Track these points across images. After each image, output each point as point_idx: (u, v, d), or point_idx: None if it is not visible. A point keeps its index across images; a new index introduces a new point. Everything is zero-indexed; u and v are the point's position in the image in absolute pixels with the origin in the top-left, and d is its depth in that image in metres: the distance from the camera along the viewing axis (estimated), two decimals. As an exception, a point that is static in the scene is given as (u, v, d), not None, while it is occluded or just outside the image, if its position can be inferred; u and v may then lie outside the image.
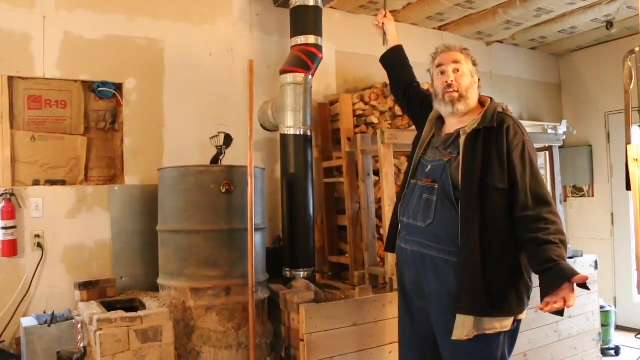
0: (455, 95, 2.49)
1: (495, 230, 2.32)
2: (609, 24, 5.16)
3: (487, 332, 2.32)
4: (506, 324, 2.36)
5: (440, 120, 2.66)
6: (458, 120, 2.54)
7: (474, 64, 2.58)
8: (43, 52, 3.58)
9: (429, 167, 2.55)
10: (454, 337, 2.32)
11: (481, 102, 2.57)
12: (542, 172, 5.85)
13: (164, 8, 3.99)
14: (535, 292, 2.37)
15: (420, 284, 2.53)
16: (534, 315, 4.06)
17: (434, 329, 2.53)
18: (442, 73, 2.54)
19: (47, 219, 3.54)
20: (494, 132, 2.40)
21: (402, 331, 2.73)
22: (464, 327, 2.31)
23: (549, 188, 5.00)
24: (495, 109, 2.49)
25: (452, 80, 2.50)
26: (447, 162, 2.47)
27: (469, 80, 2.52)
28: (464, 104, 2.50)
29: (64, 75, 3.65)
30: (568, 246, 4.38)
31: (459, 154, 2.42)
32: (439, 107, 2.59)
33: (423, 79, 2.95)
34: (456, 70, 2.52)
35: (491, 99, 2.59)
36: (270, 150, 4.37)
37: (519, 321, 2.48)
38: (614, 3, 4.67)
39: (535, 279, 2.39)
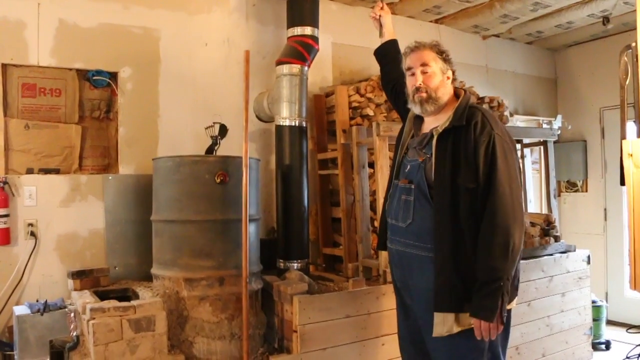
0: (424, 96, 2.51)
1: (469, 228, 2.35)
2: (606, 20, 5.16)
3: (473, 326, 2.35)
4: None
5: (419, 119, 2.69)
6: (434, 118, 2.56)
7: (445, 60, 2.56)
8: (37, 40, 3.55)
9: (408, 167, 2.60)
10: (434, 335, 2.38)
11: (458, 95, 2.58)
12: (535, 166, 5.90)
13: (159, -3, 3.97)
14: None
15: (407, 281, 2.62)
16: (526, 309, 4.09)
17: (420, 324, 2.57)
18: (412, 75, 2.57)
19: (41, 208, 3.53)
20: (463, 130, 2.41)
21: (399, 325, 2.80)
22: (444, 324, 2.36)
23: (543, 183, 5.03)
24: (467, 104, 2.49)
25: (420, 83, 2.52)
26: (421, 162, 2.51)
27: (438, 80, 2.52)
28: (433, 105, 2.52)
29: (58, 63, 3.63)
30: (561, 241, 4.45)
31: (432, 154, 2.45)
32: (412, 107, 2.63)
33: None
34: (424, 72, 2.52)
35: (465, 91, 2.59)
36: (265, 141, 4.36)
37: (508, 311, 2.51)
38: (610, -2, 4.67)
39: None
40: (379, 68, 3.21)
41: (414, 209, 2.50)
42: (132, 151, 3.83)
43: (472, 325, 2.34)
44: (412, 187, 2.52)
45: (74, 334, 3.05)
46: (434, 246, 2.40)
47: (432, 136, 2.49)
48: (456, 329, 2.35)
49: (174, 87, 4.00)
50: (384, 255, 3.45)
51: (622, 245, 5.97)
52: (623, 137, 3.30)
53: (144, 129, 3.88)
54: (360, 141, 3.90)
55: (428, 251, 2.45)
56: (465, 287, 2.33)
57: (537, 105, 6.46)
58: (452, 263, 2.34)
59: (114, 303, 2.89)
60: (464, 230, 2.34)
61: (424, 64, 2.52)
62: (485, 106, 4.62)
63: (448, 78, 2.56)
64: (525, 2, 4.71)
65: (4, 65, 3.49)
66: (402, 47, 3.07)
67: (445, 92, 2.54)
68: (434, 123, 2.54)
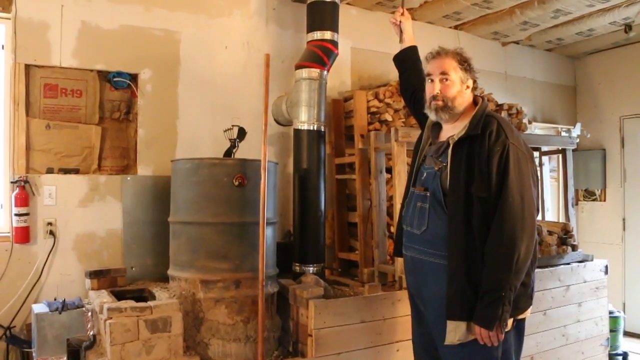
0: (440, 104, 2.52)
1: (481, 237, 2.34)
2: (628, 27, 5.12)
3: None
4: None
5: (437, 126, 2.69)
6: (451, 126, 2.57)
7: (466, 70, 2.54)
8: (60, 41, 3.59)
9: (425, 174, 2.60)
10: (446, 342, 2.38)
11: (476, 103, 2.58)
12: (553, 174, 5.85)
13: None
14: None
15: (420, 288, 2.62)
16: (542, 318, 4.05)
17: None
18: (431, 81, 2.57)
19: (60, 207, 3.56)
20: (478, 139, 2.40)
21: (413, 331, 2.80)
22: (456, 332, 2.35)
23: (560, 191, 4.98)
24: (483, 112, 2.49)
25: (437, 92, 2.52)
26: (437, 171, 2.51)
27: (456, 90, 2.52)
28: (448, 114, 2.52)
29: (80, 65, 3.67)
30: (579, 250, 4.41)
31: (448, 162, 2.45)
32: (427, 113, 2.63)
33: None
34: (444, 80, 2.52)
35: (483, 99, 2.58)
36: (283, 145, 4.37)
37: (522, 320, 2.51)
38: (634, 6, 4.62)
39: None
40: (397, 73, 3.21)
41: (429, 217, 2.51)
42: (151, 152, 3.86)
43: None
44: (428, 194, 2.52)
45: (91, 333, 3.08)
46: (447, 254, 2.40)
47: (448, 145, 2.49)
48: (468, 338, 2.34)
49: (194, 90, 4.02)
50: (400, 261, 3.44)
51: (641, 255, 5.92)
52: (645, 146, 3.28)
53: (163, 130, 3.91)
54: (378, 146, 3.90)
55: (441, 259, 2.45)
56: (478, 295, 2.32)
57: (556, 112, 6.41)
58: (464, 271, 2.33)
59: (130, 303, 2.90)
60: (477, 239, 2.34)
61: (443, 73, 2.52)
62: (503, 113, 4.60)
63: (467, 87, 2.55)
64: (546, 9, 4.68)
65: (27, 66, 3.53)
66: (422, 53, 3.08)
67: (462, 102, 2.53)
68: (452, 131, 2.54)
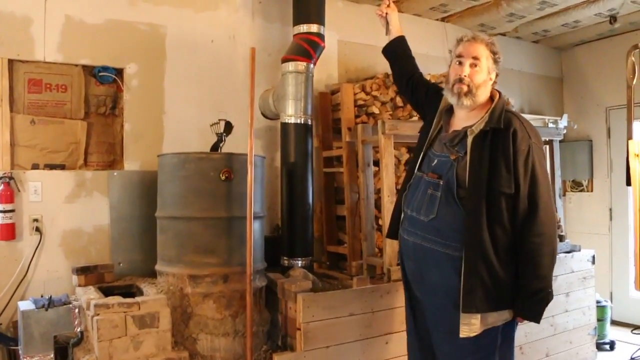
0: (465, 89, 2.48)
1: (501, 232, 2.35)
2: (613, 19, 5.13)
3: (494, 325, 2.38)
4: (507, 315, 2.43)
5: (449, 113, 2.65)
6: (466, 115, 2.54)
7: (495, 62, 2.55)
8: (44, 36, 3.56)
9: (436, 161, 2.56)
10: (461, 335, 2.36)
11: (492, 97, 2.57)
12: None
13: (165, -7, 3.97)
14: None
15: (421, 276, 2.59)
16: (531, 309, 4.07)
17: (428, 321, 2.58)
18: (460, 64, 2.54)
19: (46, 203, 3.53)
20: (500, 134, 2.39)
21: (407, 317, 2.81)
22: (471, 325, 2.35)
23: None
24: (503, 106, 2.48)
25: (465, 75, 2.49)
26: (454, 160, 2.47)
27: (483, 78, 2.51)
28: (470, 100, 2.49)
29: (64, 59, 3.63)
30: (566, 240, 4.44)
31: (466, 153, 2.43)
32: (447, 95, 2.60)
33: (425, 69, 2.93)
34: (473, 65, 2.50)
35: (500, 93, 2.57)
36: (271, 139, 4.36)
37: None
38: (618, -3, 4.64)
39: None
40: (385, 66, 3.21)
41: (439, 205, 2.47)
42: (138, 147, 3.83)
43: (494, 325, 2.38)
44: (441, 182, 2.48)
45: (78, 329, 3.07)
46: (464, 246, 2.37)
47: (465, 135, 2.47)
48: (481, 329, 2.36)
49: (180, 84, 4.00)
50: (389, 253, 3.44)
51: (627, 245, 5.95)
52: (629, 137, 3.30)
53: (150, 125, 3.88)
54: (365, 139, 3.89)
55: (448, 248, 2.44)
56: (497, 290, 2.35)
57: (543, 104, 6.44)
58: (485, 265, 2.33)
59: (118, 299, 2.89)
60: (498, 233, 2.34)
61: (475, 57, 2.50)
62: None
63: (491, 79, 2.55)
64: (532, 1, 4.68)
65: (11, 61, 3.49)
66: (410, 44, 3.09)
67: (484, 92, 2.52)
68: (466, 121, 2.52)
